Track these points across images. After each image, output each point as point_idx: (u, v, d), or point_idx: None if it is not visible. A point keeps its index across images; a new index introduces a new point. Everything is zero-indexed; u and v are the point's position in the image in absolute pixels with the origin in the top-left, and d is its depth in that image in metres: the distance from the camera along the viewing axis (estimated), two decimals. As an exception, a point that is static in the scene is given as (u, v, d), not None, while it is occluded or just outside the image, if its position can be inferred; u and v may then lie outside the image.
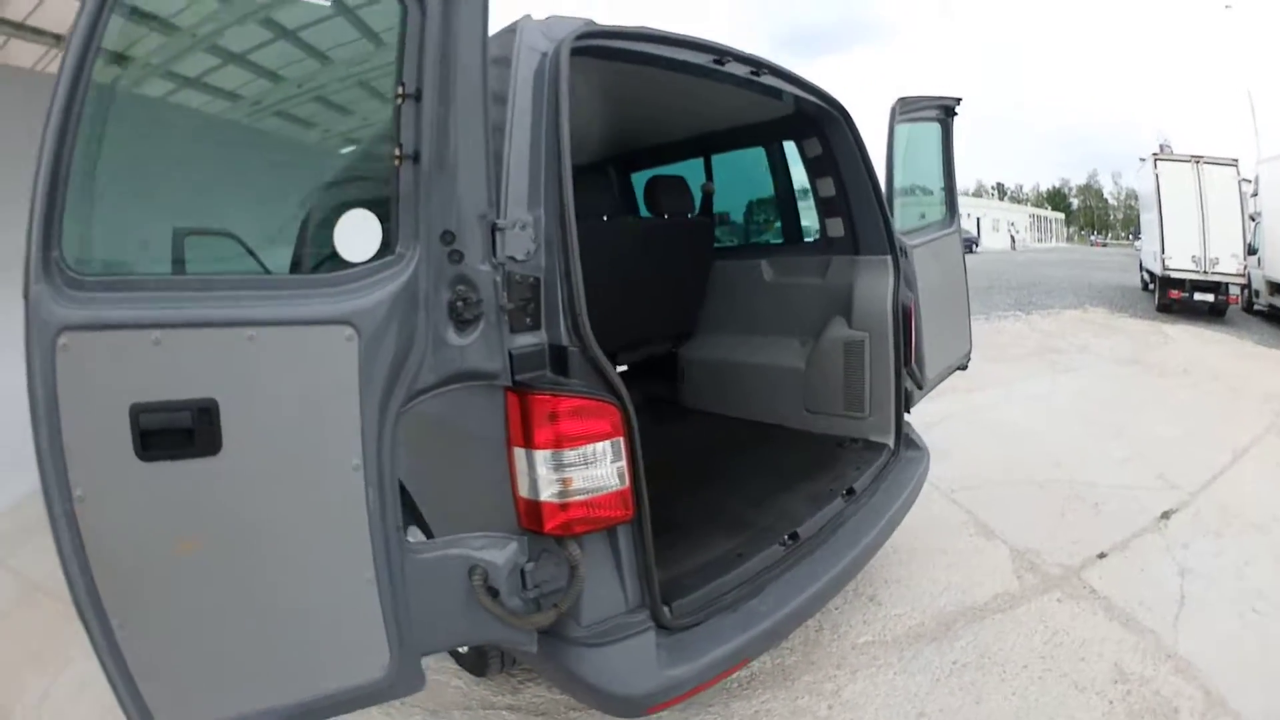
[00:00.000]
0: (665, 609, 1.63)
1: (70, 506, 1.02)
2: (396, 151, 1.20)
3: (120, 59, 1.10)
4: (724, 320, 3.58)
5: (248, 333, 1.08)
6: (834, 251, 2.90)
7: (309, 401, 1.15)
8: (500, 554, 1.39)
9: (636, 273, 3.16)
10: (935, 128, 3.22)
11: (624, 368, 3.65)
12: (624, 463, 1.48)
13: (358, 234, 1.21)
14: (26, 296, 1.00)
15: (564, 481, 1.41)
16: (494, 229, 1.29)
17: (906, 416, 2.72)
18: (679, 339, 3.76)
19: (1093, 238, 61.60)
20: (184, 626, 1.13)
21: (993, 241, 40.77)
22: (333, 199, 1.34)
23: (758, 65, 2.15)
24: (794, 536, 2.03)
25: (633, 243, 3.20)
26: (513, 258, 1.34)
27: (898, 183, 2.81)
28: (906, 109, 2.87)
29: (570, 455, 1.41)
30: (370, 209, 1.22)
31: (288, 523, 1.16)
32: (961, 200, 3.63)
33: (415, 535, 1.72)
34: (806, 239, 3.24)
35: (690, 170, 3.57)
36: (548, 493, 1.41)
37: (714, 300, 3.62)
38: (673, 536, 1.97)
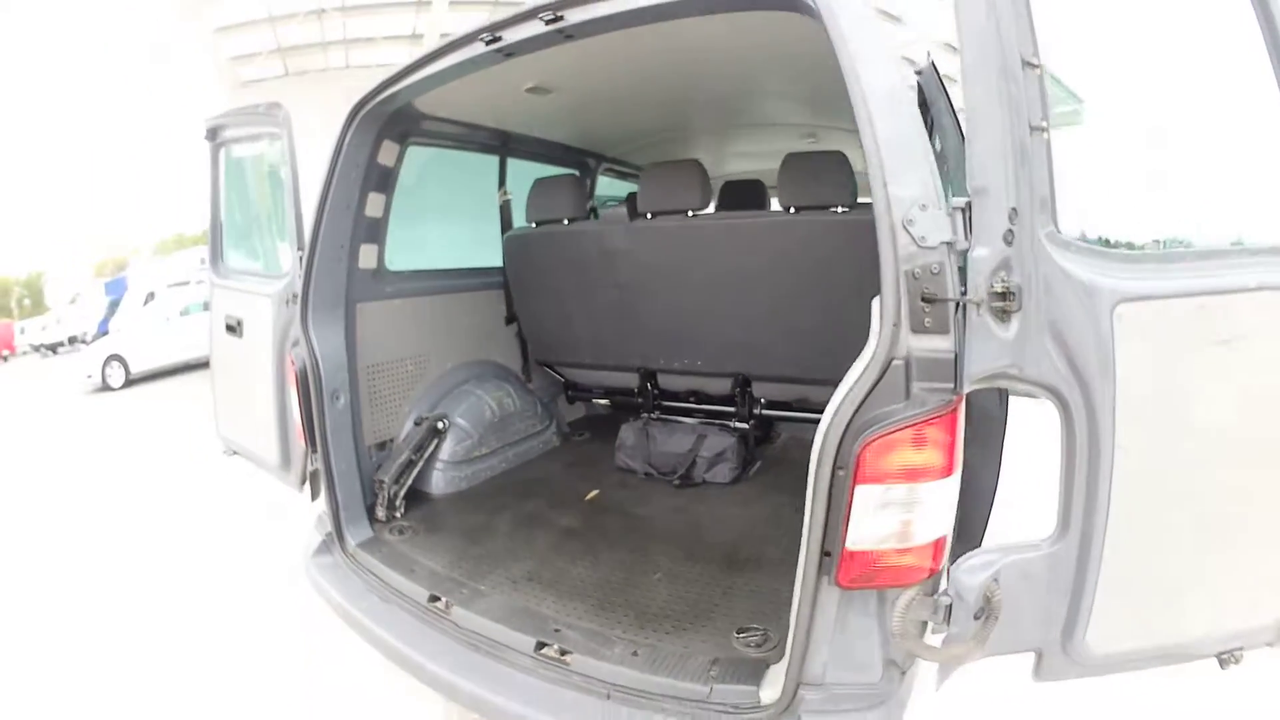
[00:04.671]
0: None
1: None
2: None
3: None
4: None
5: (250, 295, 2.77)
6: None
7: (265, 332, 2.69)
8: None
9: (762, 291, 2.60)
10: None
11: None
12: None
13: (283, 256, 2.75)
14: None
15: None
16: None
17: None
18: None
19: None
20: (234, 395, 3.02)
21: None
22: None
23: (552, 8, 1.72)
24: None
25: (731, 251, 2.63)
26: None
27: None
28: None
29: None
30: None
31: (256, 373, 2.72)
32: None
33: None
34: None
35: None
36: None
37: None
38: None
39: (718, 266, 2.70)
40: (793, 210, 2.59)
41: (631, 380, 3.32)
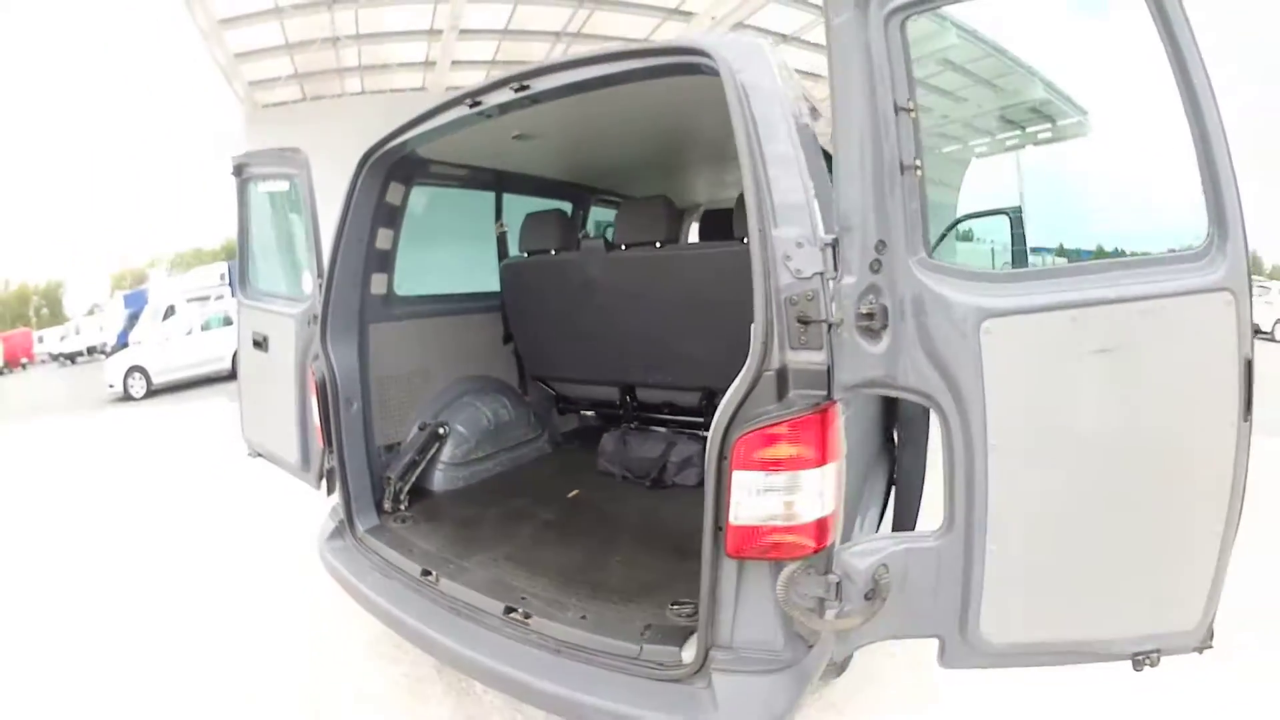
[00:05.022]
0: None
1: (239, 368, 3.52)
2: None
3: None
4: None
5: (275, 315, 3.16)
6: None
7: (288, 348, 3.12)
8: None
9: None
10: None
11: None
12: None
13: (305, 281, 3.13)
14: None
15: None
16: None
17: None
18: None
19: None
20: (259, 403, 3.38)
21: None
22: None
23: (519, 79, 2.05)
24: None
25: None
26: None
27: None
28: None
29: None
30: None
31: (280, 383, 3.11)
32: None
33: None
34: None
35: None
36: None
37: None
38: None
39: (683, 291, 3.03)
40: (744, 240, 2.92)
41: (613, 393, 3.71)
